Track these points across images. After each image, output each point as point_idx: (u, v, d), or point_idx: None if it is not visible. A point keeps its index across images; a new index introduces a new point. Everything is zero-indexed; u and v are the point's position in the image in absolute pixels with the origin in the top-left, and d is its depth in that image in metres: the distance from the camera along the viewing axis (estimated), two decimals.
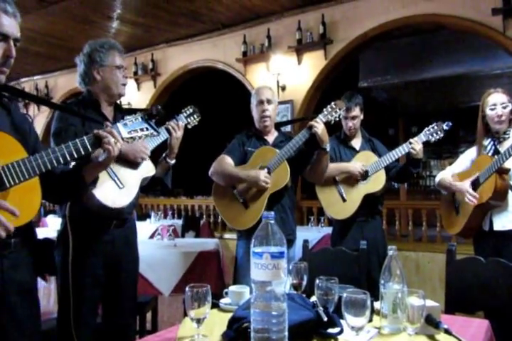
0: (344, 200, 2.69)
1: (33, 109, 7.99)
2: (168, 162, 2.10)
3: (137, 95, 6.58)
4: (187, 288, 1.20)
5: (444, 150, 11.48)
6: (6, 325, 1.30)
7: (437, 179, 2.63)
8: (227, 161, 2.47)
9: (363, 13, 4.87)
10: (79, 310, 1.81)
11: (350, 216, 2.67)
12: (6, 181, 1.23)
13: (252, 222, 2.34)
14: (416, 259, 4.49)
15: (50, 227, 4.83)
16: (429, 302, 1.26)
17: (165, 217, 6.14)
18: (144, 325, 2.54)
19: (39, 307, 1.47)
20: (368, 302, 1.12)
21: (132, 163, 1.89)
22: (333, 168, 2.64)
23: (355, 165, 2.70)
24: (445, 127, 2.61)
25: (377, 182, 2.69)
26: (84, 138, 1.38)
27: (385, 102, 8.38)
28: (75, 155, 1.35)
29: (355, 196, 2.68)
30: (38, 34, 5.91)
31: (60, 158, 1.32)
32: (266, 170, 2.37)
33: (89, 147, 1.37)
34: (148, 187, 2.05)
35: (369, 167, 2.68)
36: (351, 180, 2.71)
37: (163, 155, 2.11)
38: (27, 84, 8.03)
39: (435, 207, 4.67)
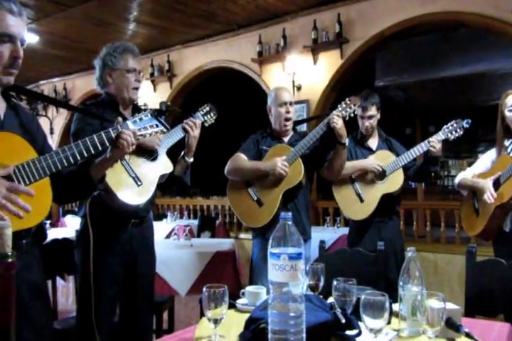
0: (362, 201, 2.66)
1: (51, 110, 8.12)
2: (186, 160, 2.12)
3: (153, 96, 6.63)
4: (204, 289, 1.20)
5: (463, 150, 11.28)
6: (19, 325, 1.30)
7: (457, 179, 2.57)
8: (242, 158, 2.48)
9: (379, 11, 4.82)
10: (99, 309, 1.83)
11: (367, 216, 2.64)
12: (17, 182, 1.21)
13: (266, 219, 2.35)
14: (434, 261, 4.42)
15: (69, 227, 4.91)
16: (450, 305, 1.24)
17: (181, 217, 6.18)
18: (160, 324, 2.56)
19: (50, 307, 1.47)
20: (387, 305, 1.11)
21: (149, 153, 1.88)
22: (349, 166, 2.62)
23: (370, 161, 2.67)
24: (465, 125, 2.56)
25: (394, 181, 2.65)
26: (94, 136, 1.37)
27: (401, 101, 8.27)
28: (85, 154, 1.33)
29: (372, 196, 2.65)
30: (57, 37, 6.02)
31: (70, 158, 1.30)
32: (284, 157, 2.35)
33: (99, 146, 1.36)
34: (166, 184, 2.05)
35: (387, 166, 2.65)
36: (368, 179, 2.68)
37: (182, 153, 2.13)
38: (46, 87, 8.17)
39: (453, 208, 4.59)
